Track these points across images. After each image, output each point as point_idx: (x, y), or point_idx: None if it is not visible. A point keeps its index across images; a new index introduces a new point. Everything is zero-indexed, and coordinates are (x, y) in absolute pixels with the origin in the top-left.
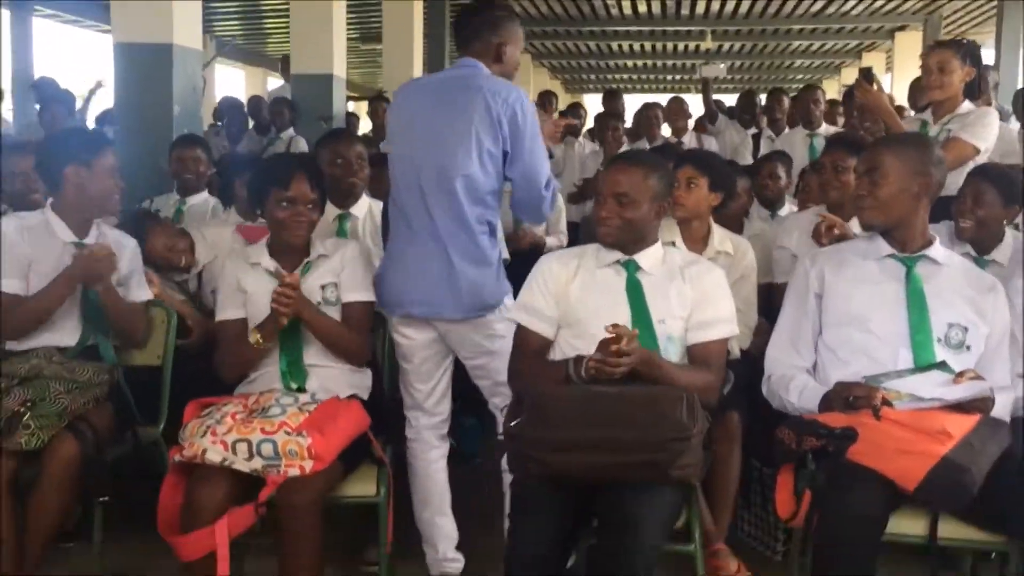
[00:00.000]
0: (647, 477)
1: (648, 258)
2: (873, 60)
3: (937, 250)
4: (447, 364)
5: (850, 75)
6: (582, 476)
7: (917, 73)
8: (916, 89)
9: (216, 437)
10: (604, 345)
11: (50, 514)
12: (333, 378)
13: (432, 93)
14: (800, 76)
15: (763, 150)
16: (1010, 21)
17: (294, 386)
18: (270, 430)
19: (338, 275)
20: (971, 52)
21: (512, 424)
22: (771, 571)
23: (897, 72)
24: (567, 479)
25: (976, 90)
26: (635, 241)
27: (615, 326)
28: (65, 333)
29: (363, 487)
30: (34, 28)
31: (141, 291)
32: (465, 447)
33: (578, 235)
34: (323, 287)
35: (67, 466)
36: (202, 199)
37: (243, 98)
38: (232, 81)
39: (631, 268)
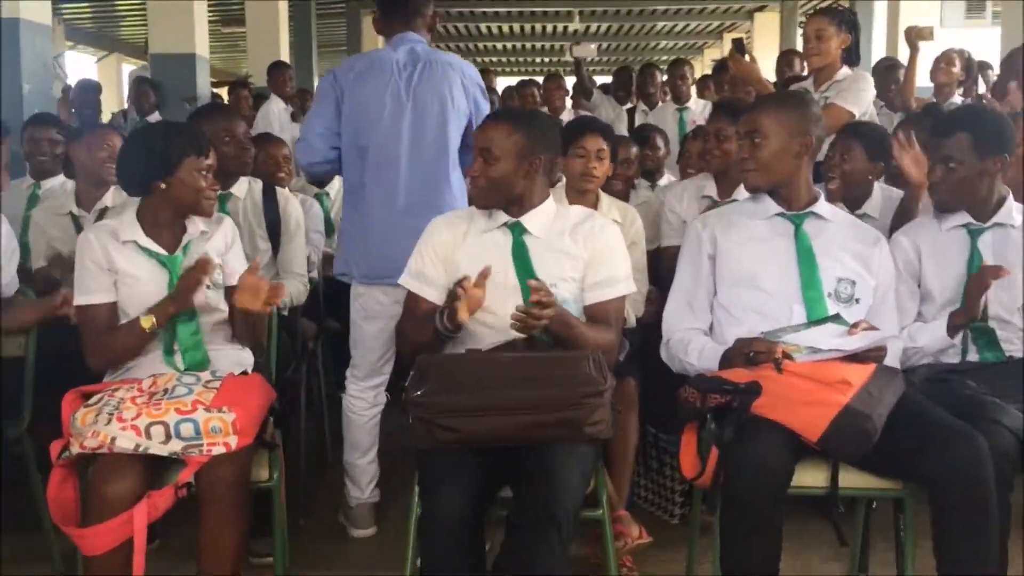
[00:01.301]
0: (560, 436)
1: (535, 219)
2: (744, 44)
3: (823, 206)
4: None
5: (713, 55)
6: (494, 439)
7: (775, 51)
8: (782, 63)
9: (125, 423)
10: (452, 296)
11: None
12: (218, 357)
13: (398, 74)
14: (665, 57)
15: (637, 124)
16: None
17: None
18: (186, 409)
19: (221, 256)
20: (847, 19)
21: (418, 393)
22: (669, 533)
23: (757, 51)
24: (478, 443)
25: (854, 56)
26: (511, 201)
27: (532, 281)
28: None
29: (255, 471)
30: None
31: (13, 283)
32: None
33: None
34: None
35: None
36: (59, 182)
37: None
38: (85, 67)
39: (517, 231)
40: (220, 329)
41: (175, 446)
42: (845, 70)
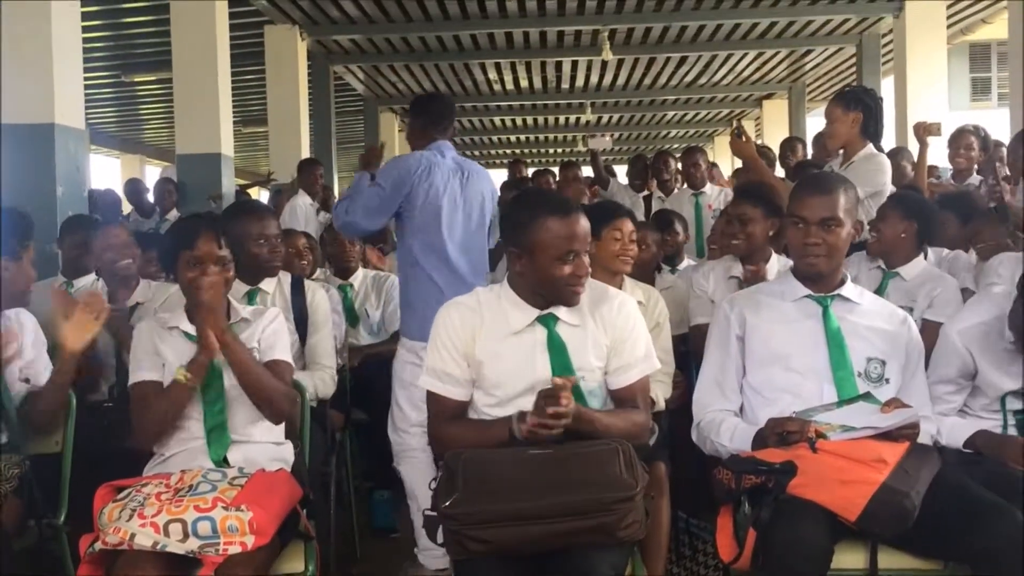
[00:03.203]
0: (594, 540)
1: (564, 307)
2: (743, 127)
3: (850, 288)
4: None
5: (724, 142)
6: (526, 547)
7: (785, 135)
8: (785, 149)
9: (145, 520)
10: (543, 397)
11: None
12: (257, 452)
13: (450, 178)
14: (676, 145)
15: (654, 211)
16: (869, 84)
17: (218, 455)
18: (205, 507)
19: (258, 340)
20: (852, 97)
21: (446, 504)
22: None
23: (767, 136)
24: (510, 552)
25: (871, 131)
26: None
27: (557, 379)
28: None
29: (291, 564)
30: None
31: (47, 372)
32: (380, 522)
33: None
34: None
35: None
36: (89, 280)
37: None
38: (108, 169)
39: (551, 323)
40: (259, 418)
41: (192, 544)
42: (867, 149)
